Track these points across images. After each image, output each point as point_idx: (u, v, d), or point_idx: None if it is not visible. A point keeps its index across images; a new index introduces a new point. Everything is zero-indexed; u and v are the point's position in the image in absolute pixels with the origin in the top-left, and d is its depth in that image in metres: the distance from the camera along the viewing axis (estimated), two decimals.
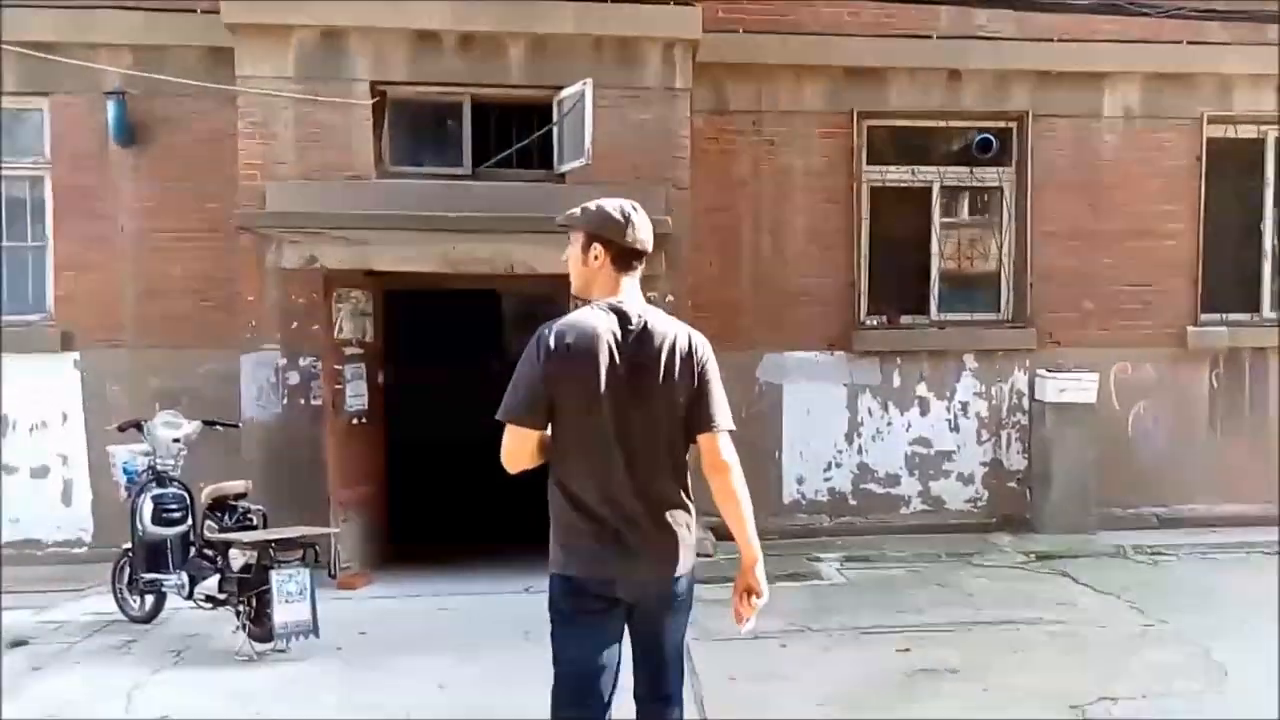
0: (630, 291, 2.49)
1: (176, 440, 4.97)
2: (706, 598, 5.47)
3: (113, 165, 6.52)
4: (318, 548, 4.52)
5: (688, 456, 2.55)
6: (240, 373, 6.17)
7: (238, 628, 4.52)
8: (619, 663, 2.46)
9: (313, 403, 6.10)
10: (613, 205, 2.52)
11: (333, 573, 5.68)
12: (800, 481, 6.97)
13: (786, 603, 5.31)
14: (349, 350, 6.04)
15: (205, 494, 4.73)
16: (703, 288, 6.79)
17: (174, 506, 4.84)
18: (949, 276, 7.26)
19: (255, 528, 4.66)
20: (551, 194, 6.27)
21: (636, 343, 2.39)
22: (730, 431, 2.53)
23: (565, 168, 6.36)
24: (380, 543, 6.13)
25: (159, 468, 4.94)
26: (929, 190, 7.22)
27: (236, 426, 5.32)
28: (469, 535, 6.87)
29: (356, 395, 6.06)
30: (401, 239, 6.05)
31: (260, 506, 4.80)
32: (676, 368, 2.40)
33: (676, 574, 2.44)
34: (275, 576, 4.35)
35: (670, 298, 6.43)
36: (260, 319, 6.20)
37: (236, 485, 4.83)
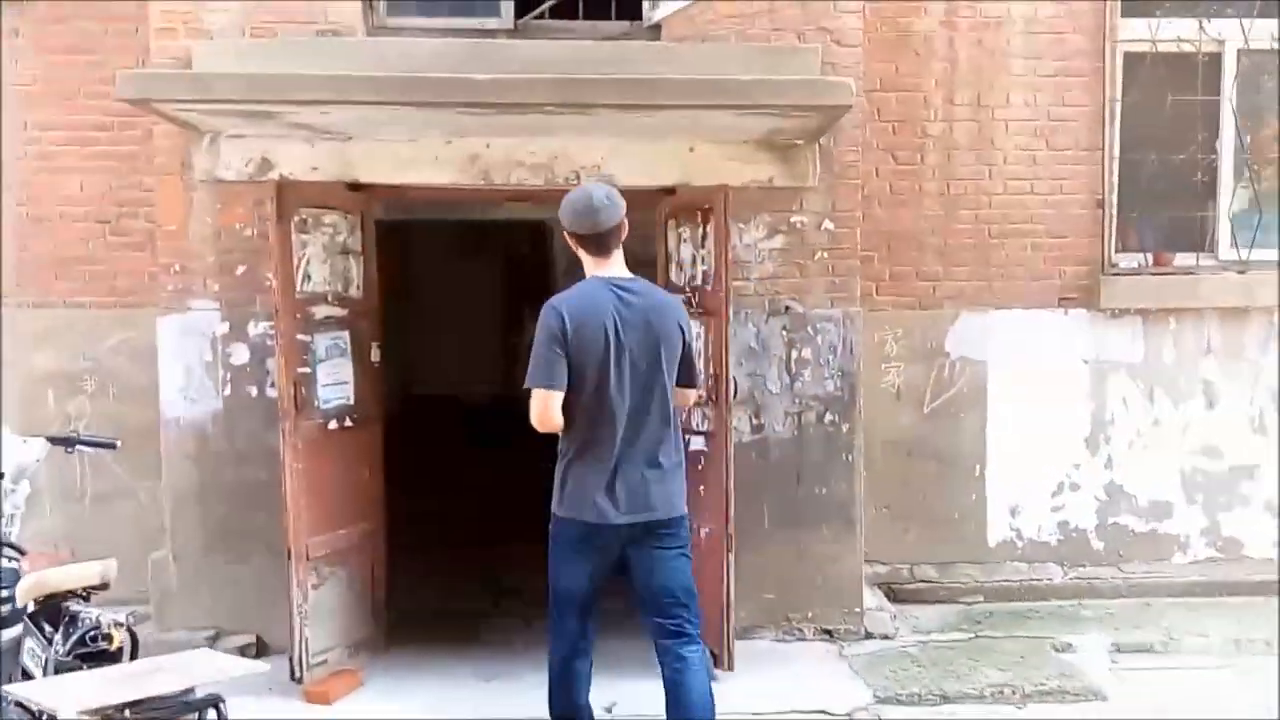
0: (615, 267, 2.71)
1: None
2: None
3: None
4: (219, 704, 2.28)
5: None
6: (157, 346, 3.97)
7: None
8: (600, 587, 2.75)
9: (269, 393, 3.88)
10: (571, 195, 2.72)
11: (297, 674, 3.53)
12: (1015, 513, 4.58)
13: None
14: (321, 311, 3.79)
15: (23, 589, 2.53)
16: (868, 209, 4.38)
17: None
18: (1252, 192, 4.67)
19: (110, 658, 2.47)
20: (639, 55, 3.86)
21: (634, 314, 2.63)
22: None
23: (661, 13, 3.96)
24: (376, 616, 3.94)
25: None
26: (1220, 57, 4.62)
27: (113, 446, 3.12)
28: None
29: (335, 383, 3.82)
30: (403, 126, 3.73)
31: (127, 615, 2.61)
32: (669, 336, 2.67)
33: (670, 515, 2.68)
34: None
35: (827, 224, 4.06)
36: (187, 261, 3.97)
37: (84, 570, 2.63)
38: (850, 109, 3.54)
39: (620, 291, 2.63)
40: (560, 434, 2.66)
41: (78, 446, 3.01)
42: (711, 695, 2.66)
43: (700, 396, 2.82)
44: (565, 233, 2.70)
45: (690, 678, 2.62)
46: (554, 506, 2.69)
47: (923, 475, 4.57)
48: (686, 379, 2.73)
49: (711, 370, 3.73)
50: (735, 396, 3.76)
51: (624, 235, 2.70)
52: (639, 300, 2.64)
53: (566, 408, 2.61)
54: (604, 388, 2.58)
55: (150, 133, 4.02)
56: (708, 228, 3.73)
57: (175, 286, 3.95)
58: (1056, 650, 3.86)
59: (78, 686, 2.23)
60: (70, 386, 4.26)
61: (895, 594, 4.48)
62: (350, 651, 3.77)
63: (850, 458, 4.09)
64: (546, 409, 2.58)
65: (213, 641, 3.83)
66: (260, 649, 3.89)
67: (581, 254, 2.71)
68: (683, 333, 2.70)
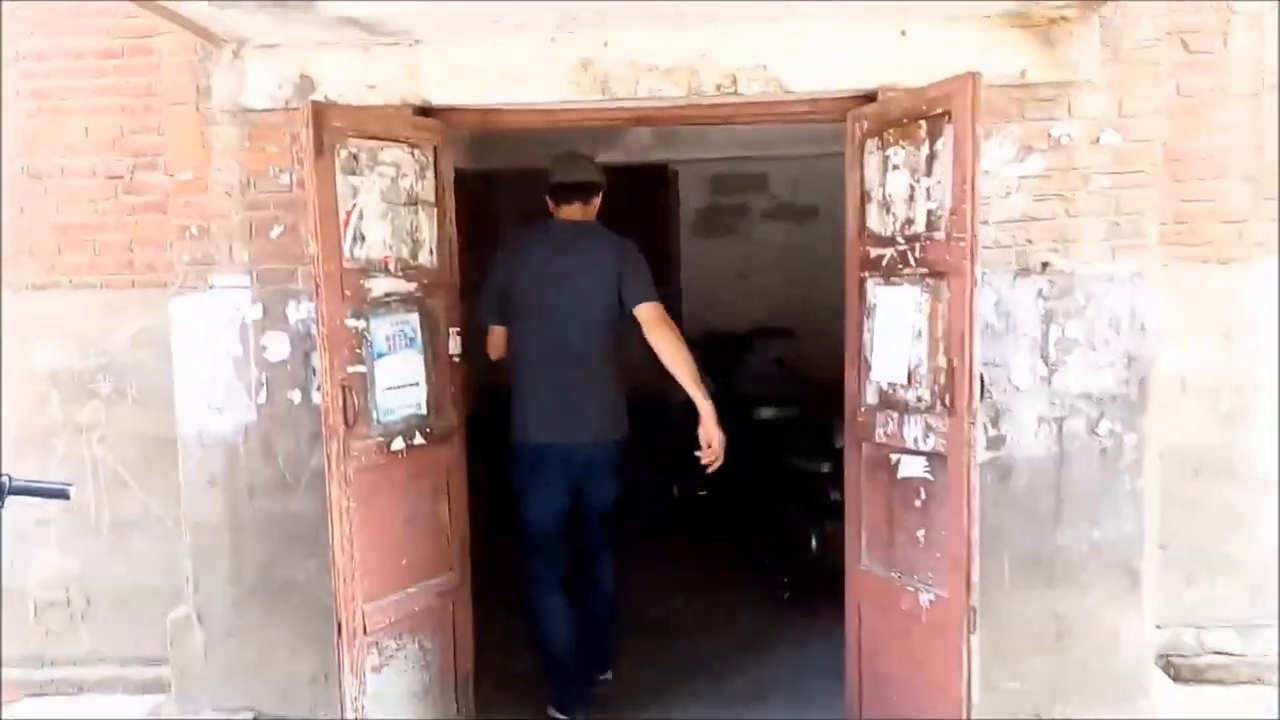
0: (572, 215, 2.96)
1: None
2: None
3: None
4: None
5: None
6: (172, 336, 2.99)
7: None
8: (570, 514, 2.93)
9: (316, 399, 2.85)
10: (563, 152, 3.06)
11: None
12: None
13: None
14: (380, 285, 2.71)
15: None
16: (1150, 120, 3.00)
17: None
18: None
19: None
20: None
21: (567, 250, 2.87)
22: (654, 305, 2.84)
23: None
24: (460, 695, 2.88)
25: None
26: None
27: (64, 495, 2.09)
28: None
29: (401, 385, 2.74)
30: (490, 15, 2.60)
31: None
32: (602, 266, 2.85)
33: (608, 438, 2.90)
34: None
35: (1109, 136, 2.76)
36: (206, 221, 2.96)
37: None
38: None
39: (561, 232, 2.91)
40: (510, 365, 2.94)
41: (9, 497, 1.99)
42: (615, 593, 3.05)
43: (661, 312, 2.83)
44: (547, 192, 2.96)
45: (600, 572, 3.01)
46: (511, 434, 2.90)
47: (1216, 501, 3.23)
48: (628, 301, 2.82)
49: (943, 360, 2.49)
50: (982, 399, 2.51)
51: (595, 205, 2.97)
52: (576, 239, 2.88)
53: (512, 340, 2.93)
54: (541, 320, 2.84)
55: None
56: (938, 145, 2.47)
57: (192, 256, 2.95)
58: None
59: None
60: (79, 389, 3.34)
61: (1176, 671, 3.18)
62: None
63: (1137, 484, 2.81)
64: (489, 341, 2.98)
65: None
66: None
67: (552, 206, 2.96)
68: (618, 264, 2.84)
